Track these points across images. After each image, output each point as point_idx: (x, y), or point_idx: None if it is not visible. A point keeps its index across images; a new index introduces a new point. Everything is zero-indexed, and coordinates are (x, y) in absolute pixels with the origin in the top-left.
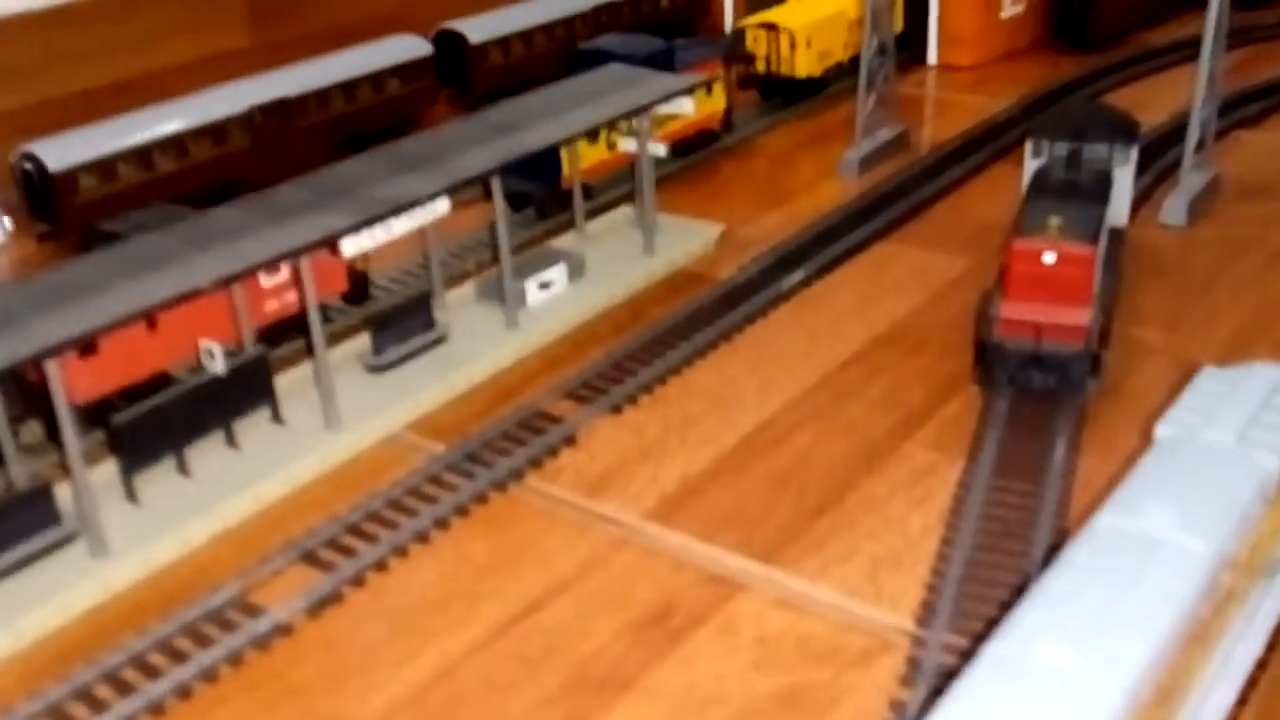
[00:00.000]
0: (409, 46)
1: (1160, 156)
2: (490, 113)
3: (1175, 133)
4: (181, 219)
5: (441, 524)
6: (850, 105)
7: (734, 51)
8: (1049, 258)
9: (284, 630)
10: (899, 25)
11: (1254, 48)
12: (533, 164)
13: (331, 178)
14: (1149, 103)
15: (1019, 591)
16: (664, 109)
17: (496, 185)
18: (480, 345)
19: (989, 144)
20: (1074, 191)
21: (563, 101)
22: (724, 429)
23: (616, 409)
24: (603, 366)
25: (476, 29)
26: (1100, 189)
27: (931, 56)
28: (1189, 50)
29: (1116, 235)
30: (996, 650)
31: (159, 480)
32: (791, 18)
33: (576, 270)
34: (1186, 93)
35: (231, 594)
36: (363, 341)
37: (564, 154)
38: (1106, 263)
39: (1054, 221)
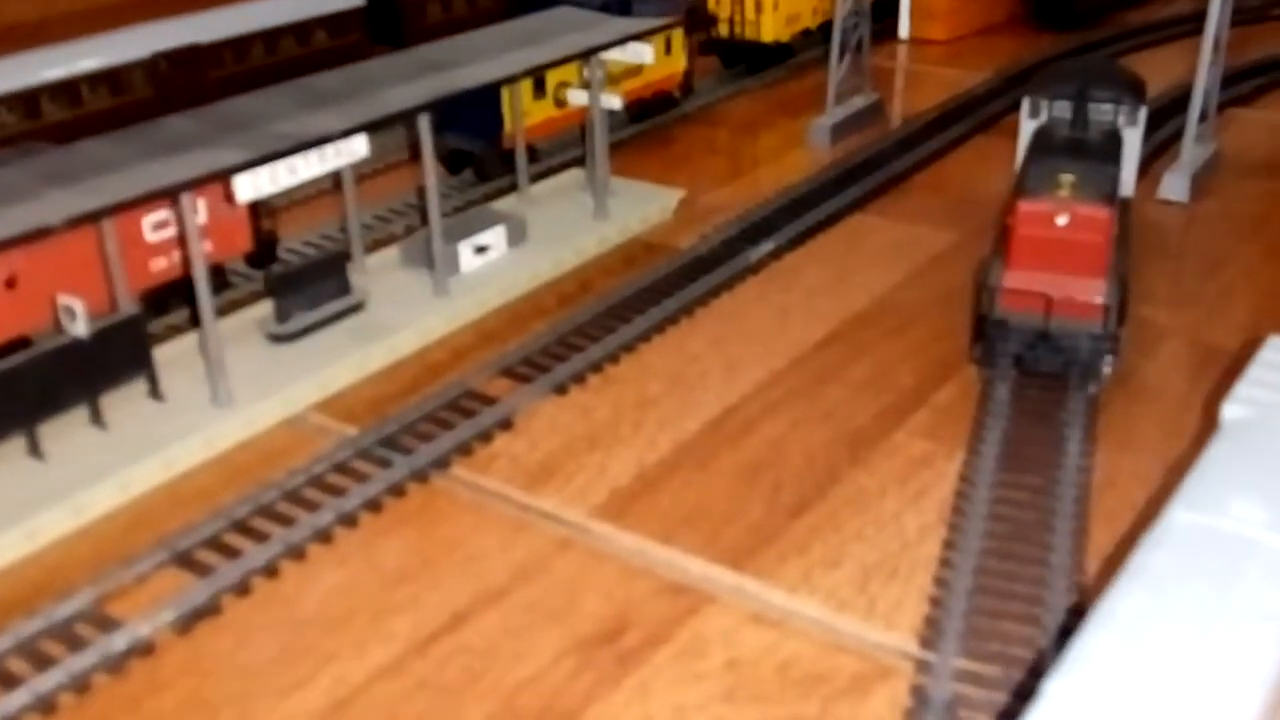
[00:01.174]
0: None
1: (1151, 134)
2: (421, 49)
3: (1164, 110)
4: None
5: (348, 520)
6: (819, 76)
7: (696, 11)
8: (1061, 219)
9: (144, 649)
10: None
11: (1242, 29)
12: (471, 117)
13: (230, 111)
14: None
15: (1036, 604)
16: (619, 56)
17: (425, 126)
18: (404, 314)
19: (968, 116)
20: (1083, 150)
21: (504, 41)
22: (685, 413)
23: (561, 389)
24: (546, 341)
25: None
26: (1111, 148)
27: (903, 30)
28: (1170, 30)
29: (1124, 206)
30: (1061, 691)
31: (5, 462)
32: None
33: (517, 234)
34: (1172, 72)
35: (83, 603)
36: (267, 307)
37: (506, 108)
38: (1119, 233)
39: (1066, 179)
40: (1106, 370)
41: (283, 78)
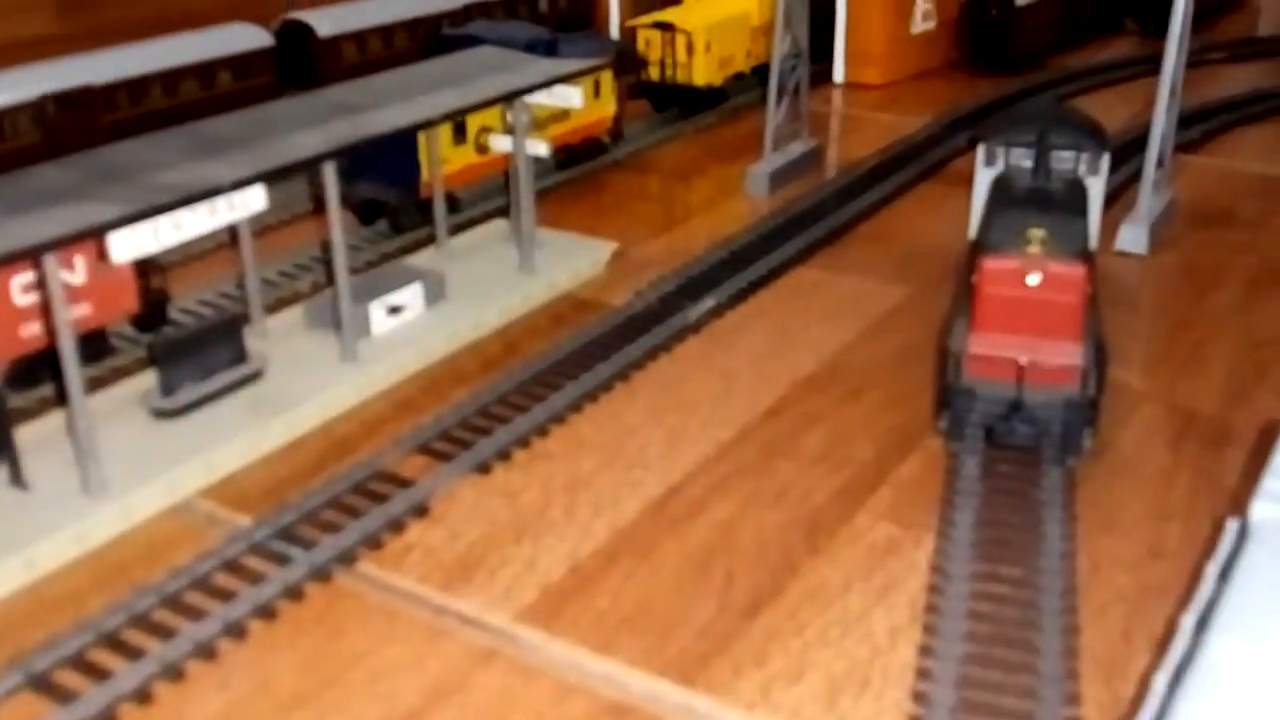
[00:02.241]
0: (244, 36)
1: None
2: (330, 91)
3: (1115, 156)
4: None
5: (236, 631)
6: (753, 121)
7: (624, 54)
8: (1032, 278)
9: None
10: None
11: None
12: (385, 164)
13: (110, 159)
14: None
15: None
16: (545, 99)
17: (330, 175)
18: (308, 384)
19: (909, 163)
20: (1049, 201)
21: (421, 83)
22: (624, 494)
23: (483, 468)
24: (467, 412)
25: (327, 20)
26: (1077, 199)
27: (838, 74)
28: (1109, 74)
29: (1091, 260)
30: None
31: None
32: (690, 18)
33: (435, 292)
34: (1115, 117)
35: None
36: (151, 378)
37: (423, 155)
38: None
39: (1035, 234)
40: (1087, 443)
41: (183, 122)
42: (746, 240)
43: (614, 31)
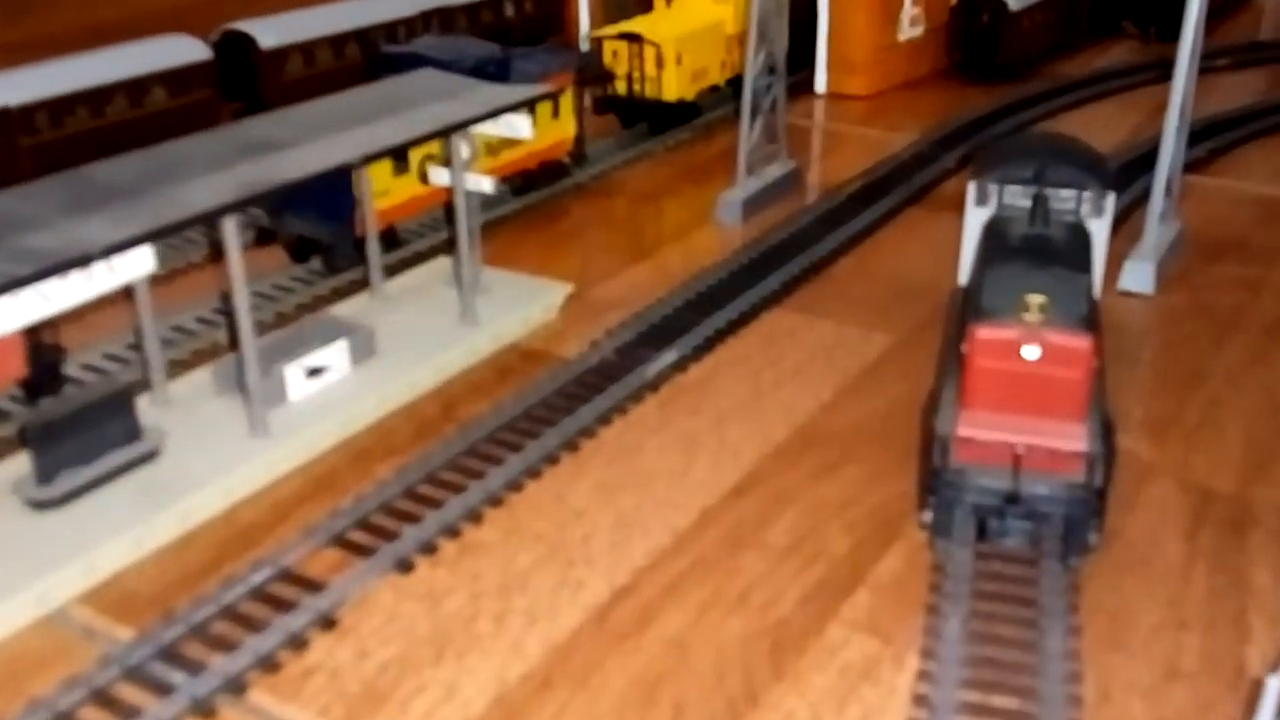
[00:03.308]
0: (181, 49)
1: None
2: (244, 126)
3: (1117, 178)
4: None
5: None
6: (729, 137)
7: (589, 67)
8: (1030, 351)
9: None
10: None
11: None
12: (317, 197)
13: None
14: None
15: None
16: (490, 129)
17: (231, 230)
18: (210, 463)
19: (896, 186)
20: (1048, 253)
21: (349, 114)
22: (563, 599)
23: (405, 566)
24: (391, 494)
25: (270, 31)
26: (1080, 250)
27: (820, 84)
28: (1106, 84)
29: (1094, 312)
30: None
31: None
32: (659, 29)
33: (363, 349)
34: (1114, 131)
35: None
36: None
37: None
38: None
39: (1034, 300)
40: (1092, 540)
41: (112, 143)
42: (716, 278)
43: (584, 39)
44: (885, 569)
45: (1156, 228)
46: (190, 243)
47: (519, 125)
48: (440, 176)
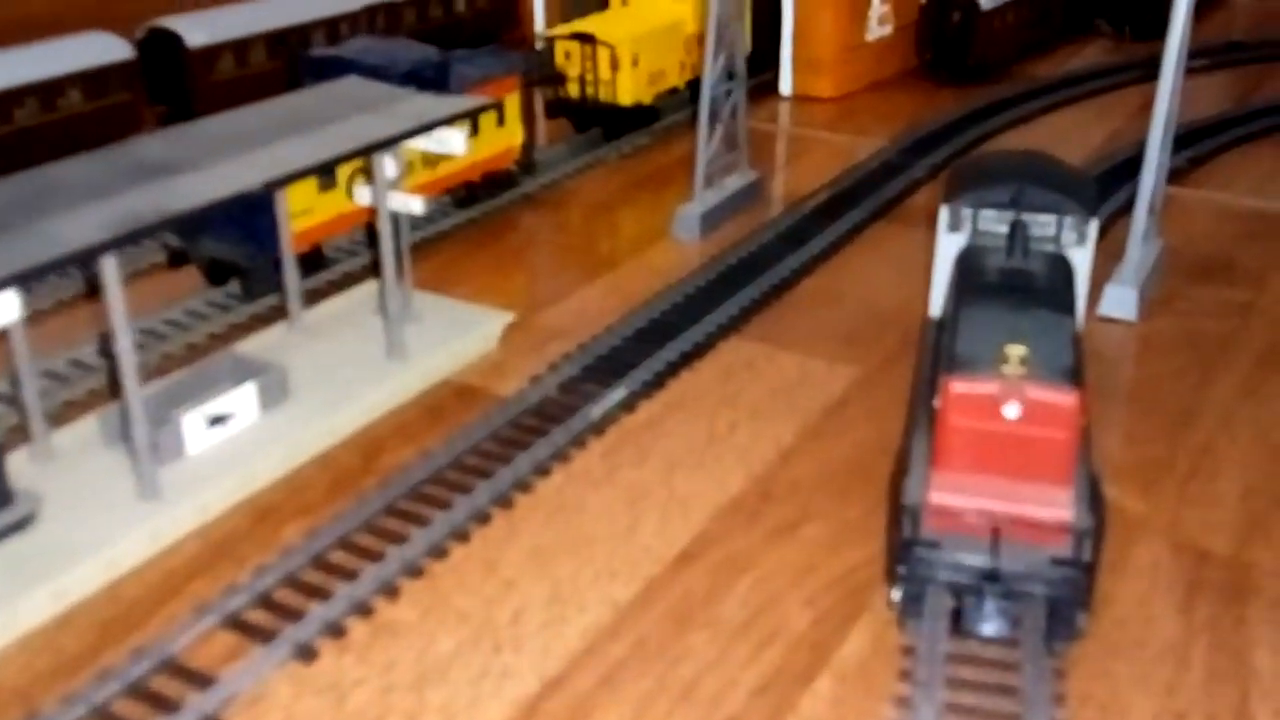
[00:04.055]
0: (99, 47)
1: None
2: (137, 145)
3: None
4: None
5: None
6: (688, 141)
7: (536, 69)
8: (1010, 409)
9: None
10: (745, 46)
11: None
12: (233, 216)
13: None
14: (1050, 149)
15: None
16: (421, 145)
17: (110, 271)
18: (91, 531)
19: (864, 198)
20: (1029, 292)
21: (259, 130)
22: (485, 695)
23: (307, 653)
24: (297, 564)
25: (198, 29)
26: (1063, 286)
27: (785, 86)
28: (1084, 85)
29: (1076, 346)
30: None
31: None
32: (613, 29)
33: (275, 391)
34: (1090, 136)
35: None
36: None
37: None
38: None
39: (1014, 352)
40: (1081, 623)
41: (22, 153)
42: (670, 302)
43: (539, 38)
44: (849, 652)
45: (1139, 249)
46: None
47: (451, 140)
48: (366, 196)
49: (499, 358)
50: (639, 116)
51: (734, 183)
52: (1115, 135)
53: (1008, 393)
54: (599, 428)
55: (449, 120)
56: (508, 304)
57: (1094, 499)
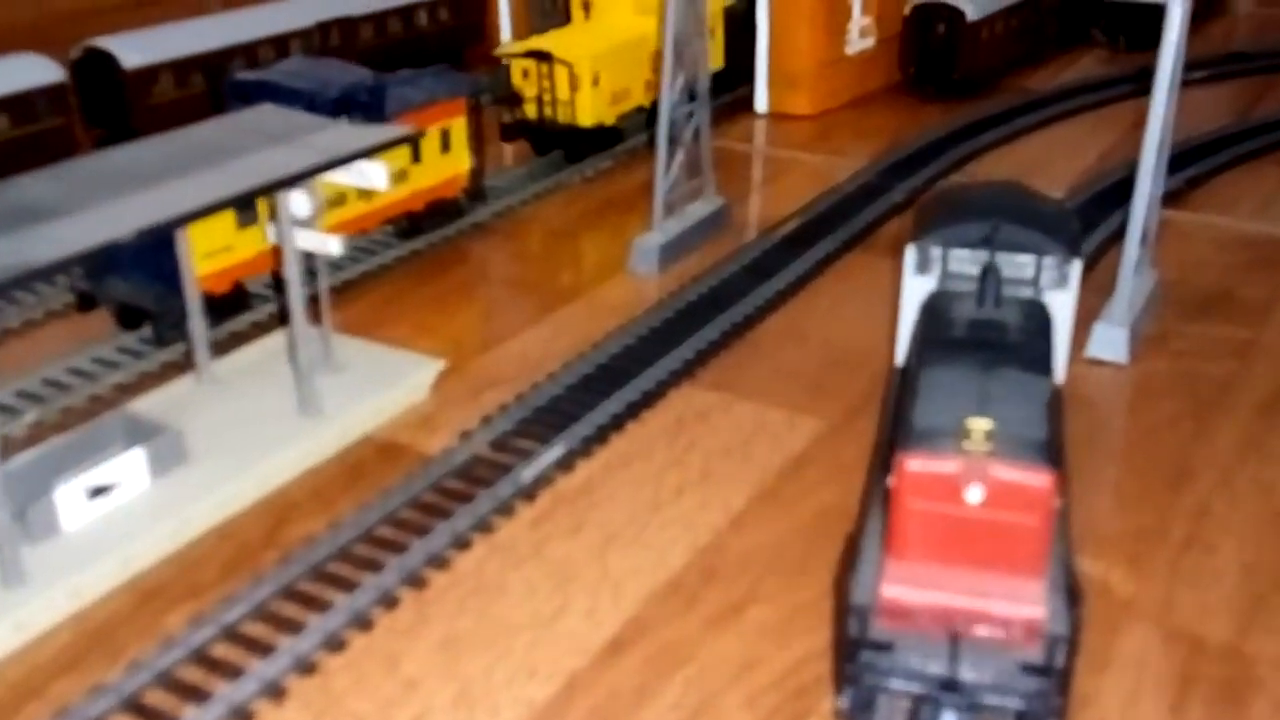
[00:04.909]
0: (28, 70)
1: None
2: (16, 185)
3: (1082, 213)
4: None
5: None
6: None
7: (484, 91)
8: (974, 494)
9: None
10: (718, 61)
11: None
12: (141, 257)
13: None
14: (1039, 169)
15: None
16: (339, 179)
17: None
18: None
19: (839, 225)
20: (1000, 349)
21: (153, 166)
22: None
23: None
24: (174, 659)
25: (135, 49)
26: (1040, 341)
27: (760, 102)
28: (1077, 99)
29: (1054, 399)
30: None
31: None
32: (572, 46)
33: (169, 455)
34: (1083, 154)
35: None
36: None
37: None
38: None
39: (978, 426)
40: None
41: None
42: (621, 345)
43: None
44: None
45: (1131, 284)
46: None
47: (371, 174)
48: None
49: (430, 409)
50: (601, 138)
51: (698, 210)
52: (1109, 153)
53: (970, 473)
54: (530, 492)
55: (364, 154)
56: (445, 346)
57: (1070, 593)
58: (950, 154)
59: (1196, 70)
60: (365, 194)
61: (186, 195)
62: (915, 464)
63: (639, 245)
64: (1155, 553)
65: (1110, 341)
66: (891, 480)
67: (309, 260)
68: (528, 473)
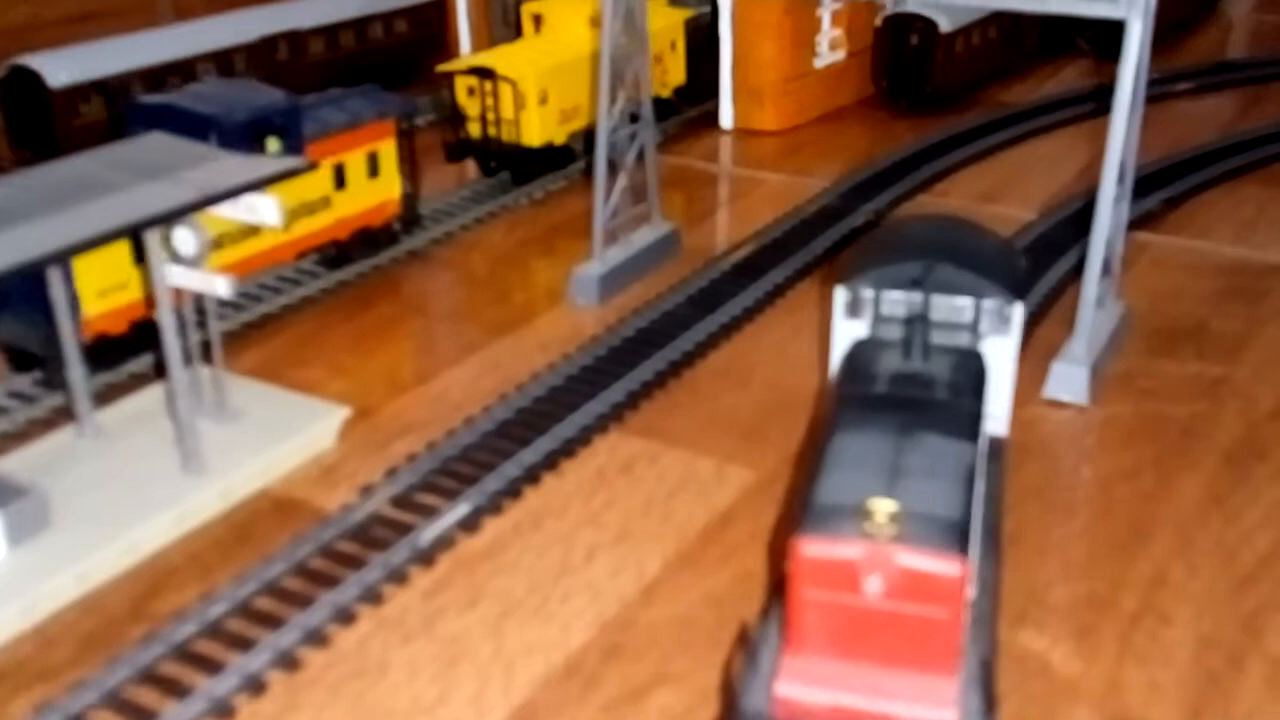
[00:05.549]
0: None
1: (1033, 276)
2: None
3: (1052, 236)
4: None
5: None
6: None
7: (414, 111)
8: (874, 584)
9: None
10: (680, 77)
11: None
12: (27, 296)
13: None
14: (1011, 187)
15: None
16: (227, 214)
17: None
18: None
19: (795, 251)
20: (922, 409)
21: (12, 203)
22: None
23: None
24: None
25: (63, 67)
26: (968, 399)
27: (726, 118)
28: (1057, 112)
29: (991, 450)
30: None
31: None
32: (517, 63)
33: (29, 521)
34: (1057, 177)
35: None
36: None
37: (84, 282)
38: (981, 538)
39: (882, 509)
40: None
41: None
42: (548, 386)
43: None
44: None
45: (1091, 320)
46: None
47: (262, 209)
48: (175, 277)
49: (335, 460)
50: (550, 158)
51: (643, 237)
52: (1088, 169)
53: (871, 561)
54: (428, 556)
55: (245, 189)
56: (361, 389)
57: (988, 694)
58: (919, 173)
59: (1181, 81)
60: (287, 220)
61: (42, 234)
62: (811, 549)
63: (578, 276)
64: (1104, 625)
65: (1069, 381)
66: (787, 565)
67: (201, 300)
68: (427, 534)
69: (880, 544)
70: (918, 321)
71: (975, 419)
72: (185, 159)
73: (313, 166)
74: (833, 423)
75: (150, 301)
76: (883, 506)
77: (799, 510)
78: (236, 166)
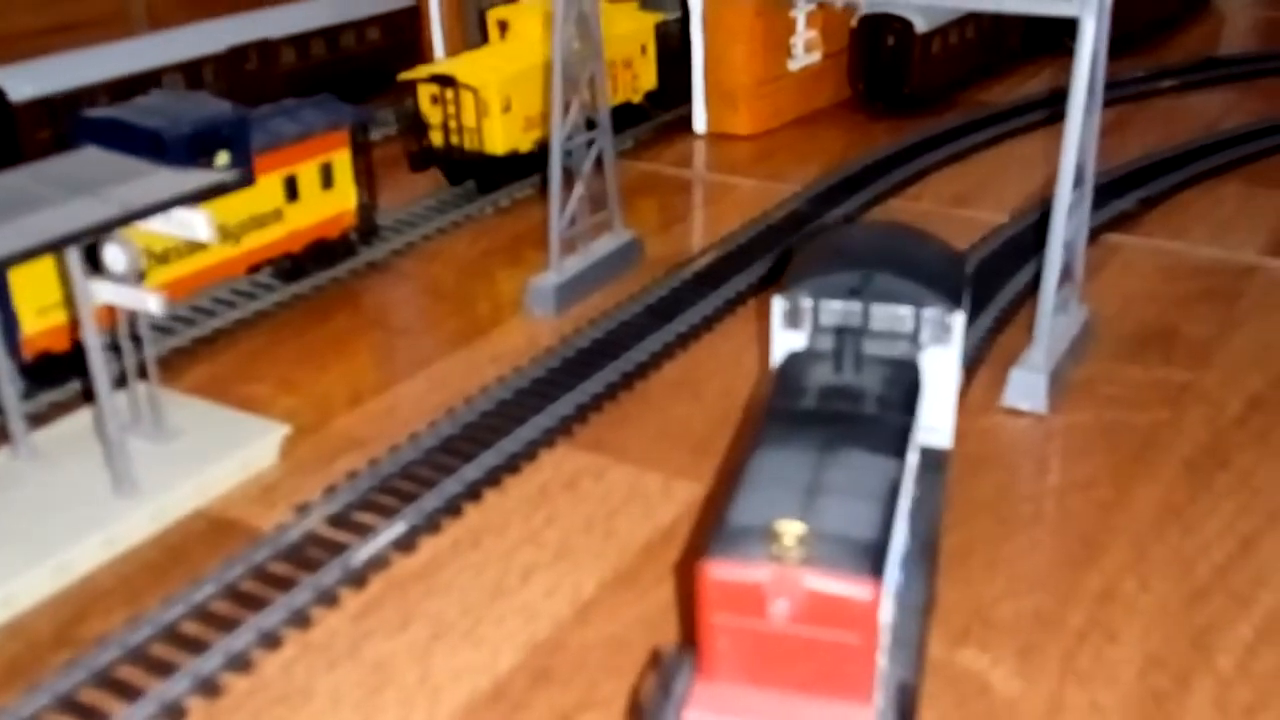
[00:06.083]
0: None
1: (1000, 280)
2: None
3: (1021, 240)
4: None
5: None
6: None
7: (369, 121)
8: (781, 609)
9: None
10: (650, 81)
11: (1120, 108)
12: None
13: None
14: (985, 189)
15: None
16: (159, 229)
17: None
18: None
19: (758, 258)
20: (847, 424)
21: None
22: None
23: None
24: None
25: (26, 79)
26: (898, 415)
27: (699, 123)
28: (1036, 113)
29: (932, 463)
30: None
31: None
32: (479, 70)
33: None
34: (1031, 178)
35: None
36: None
37: (22, 300)
38: (915, 555)
39: (789, 531)
40: None
41: None
42: (497, 399)
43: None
44: None
45: (1049, 326)
46: None
47: (194, 224)
48: (103, 292)
49: (275, 478)
50: (516, 166)
51: (603, 246)
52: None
53: (778, 584)
54: (360, 577)
55: (171, 204)
56: (308, 404)
57: (904, 718)
58: (893, 175)
59: (1166, 79)
60: (232, 234)
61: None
62: (718, 571)
63: (534, 286)
64: (1049, 643)
65: (1028, 389)
66: (695, 589)
67: (134, 317)
68: (361, 554)
69: (788, 567)
70: (849, 333)
71: (903, 433)
72: (115, 174)
73: (248, 180)
74: (755, 439)
75: (100, 318)
76: (791, 529)
77: (712, 532)
78: (166, 181)
